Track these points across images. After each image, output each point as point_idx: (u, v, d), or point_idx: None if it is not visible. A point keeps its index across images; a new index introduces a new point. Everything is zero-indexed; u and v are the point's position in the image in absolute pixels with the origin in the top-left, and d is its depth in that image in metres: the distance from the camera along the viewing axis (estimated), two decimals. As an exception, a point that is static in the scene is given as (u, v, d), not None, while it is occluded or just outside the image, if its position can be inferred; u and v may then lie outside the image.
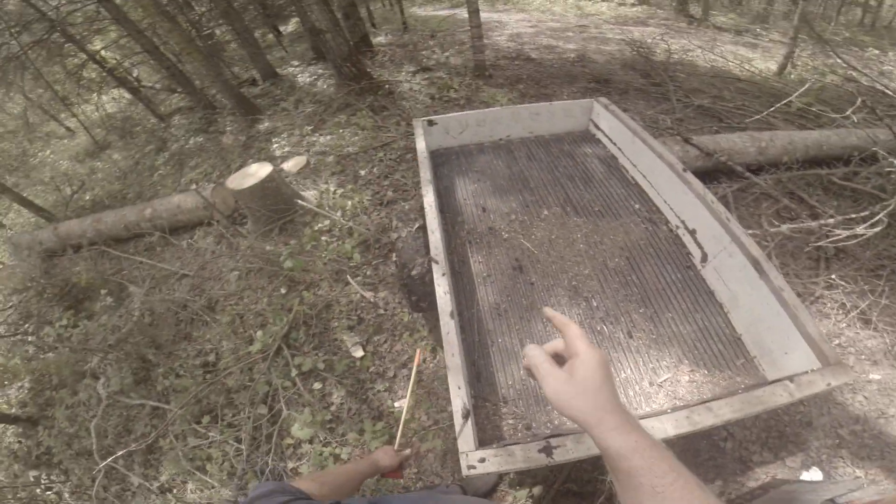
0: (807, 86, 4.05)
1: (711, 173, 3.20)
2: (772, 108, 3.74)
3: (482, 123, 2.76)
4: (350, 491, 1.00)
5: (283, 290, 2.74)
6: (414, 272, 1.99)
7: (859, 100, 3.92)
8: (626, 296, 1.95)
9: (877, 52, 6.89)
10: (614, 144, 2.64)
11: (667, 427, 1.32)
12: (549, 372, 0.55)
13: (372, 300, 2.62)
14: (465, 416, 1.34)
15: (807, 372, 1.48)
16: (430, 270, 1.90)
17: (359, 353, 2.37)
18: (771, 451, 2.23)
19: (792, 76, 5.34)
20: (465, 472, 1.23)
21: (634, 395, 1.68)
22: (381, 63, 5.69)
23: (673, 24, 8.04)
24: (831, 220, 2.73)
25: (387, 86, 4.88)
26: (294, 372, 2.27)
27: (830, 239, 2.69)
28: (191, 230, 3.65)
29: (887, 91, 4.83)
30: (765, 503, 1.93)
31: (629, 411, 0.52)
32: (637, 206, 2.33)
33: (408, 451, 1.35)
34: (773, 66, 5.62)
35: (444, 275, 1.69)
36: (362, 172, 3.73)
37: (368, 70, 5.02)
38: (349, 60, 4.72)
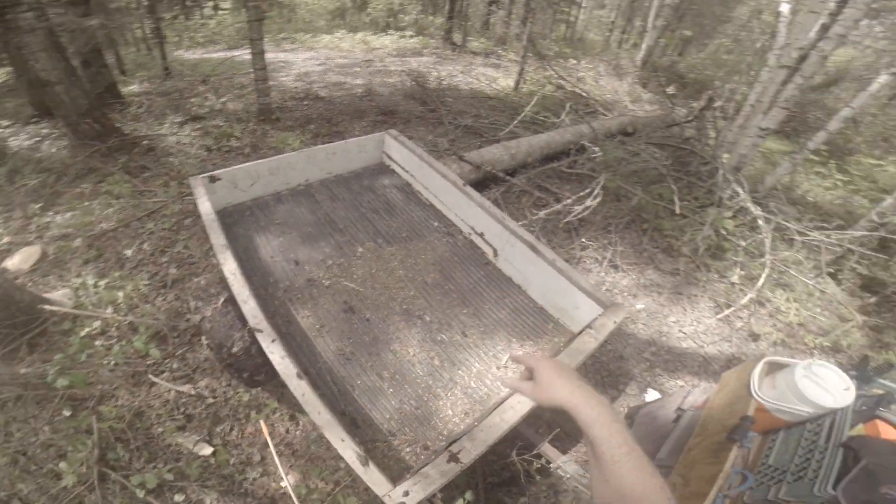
0: (534, 100, 5.34)
1: (483, 182, 3.93)
2: (514, 123, 4.80)
3: (275, 171, 2.67)
4: None
5: (66, 413, 2.17)
6: (235, 349, 1.86)
7: (568, 105, 5.36)
8: (450, 303, 2.27)
9: (574, 61, 9.36)
10: (407, 172, 2.98)
11: (525, 399, 1.52)
12: (521, 385, 0.80)
13: (193, 392, 2.30)
14: (365, 463, 1.32)
15: (596, 318, 1.93)
16: (254, 341, 1.77)
17: (206, 450, 2.08)
18: (612, 387, 2.87)
19: (524, 89, 6.87)
20: None
21: (490, 381, 1.95)
22: (135, 116, 4.87)
23: (442, 52, 9.21)
24: (569, 201, 3.71)
25: (145, 142, 4.21)
26: (141, 493, 1.86)
27: (572, 215, 3.66)
28: None
29: (583, 94, 6.73)
30: (637, 430, 2.42)
31: (593, 392, 0.69)
32: (436, 223, 2.71)
33: None
34: (511, 83, 7.12)
35: (273, 341, 1.62)
36: (128, 252, 3.06)
37: (118, 125, 4.25)
38: (89, 115, 3.92)
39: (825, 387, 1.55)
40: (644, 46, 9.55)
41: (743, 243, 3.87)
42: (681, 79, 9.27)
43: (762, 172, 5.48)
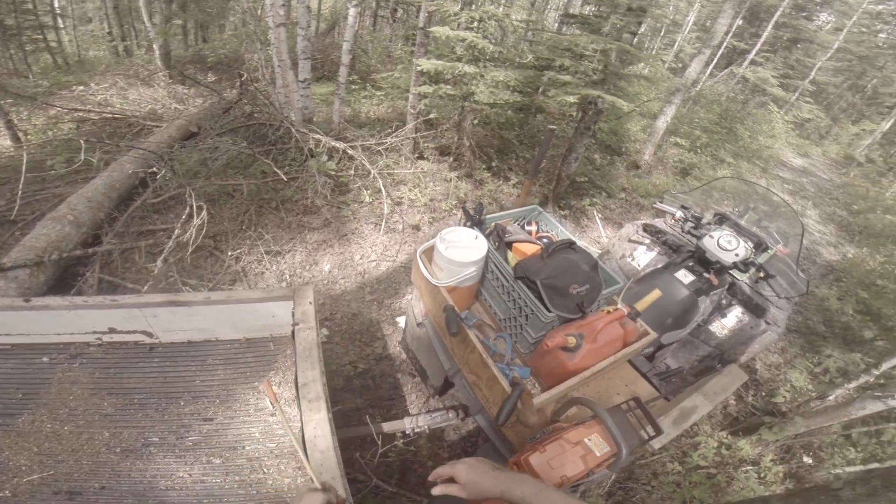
0: (49, 149, 4.07)
1: (64, 275, 2.93)
2: (18, 192, 3.58)
3: None
4: None
5: None
6: None
7: (102, 136, 4.39)
8: (156, 409, 1.68)
9: (82, 87, 7.51)
10: None
11: (317, 416, 1.46)
12: (451, 489, 0.89)
13: None
14: None
15: (293, 310, 1.90)
16: None
17: None
18: (374, 340, 2.93)
19: (32, 142, 5.11)
20: None
21: (280, 428, 1.70)
22: None
23: None
24: (178, 230, 3.25)
25: None
26: None
27: (193, 241, 3.25)
28: None
29: (117, 116, 5.64)
30: (419, 354, 2.41)
31: (511, 474, 0.86)
32: (45, 359, 1.83)
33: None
34: (8, 142, 5.14)
35: None
36: None
37: None
38: None
39: (463, 245, 1.78)
40: (156, 46, 8.67)
41: (352, 172, 4.57)
42: (215, 64, 9.13)
43: (329, 114, 6.42)
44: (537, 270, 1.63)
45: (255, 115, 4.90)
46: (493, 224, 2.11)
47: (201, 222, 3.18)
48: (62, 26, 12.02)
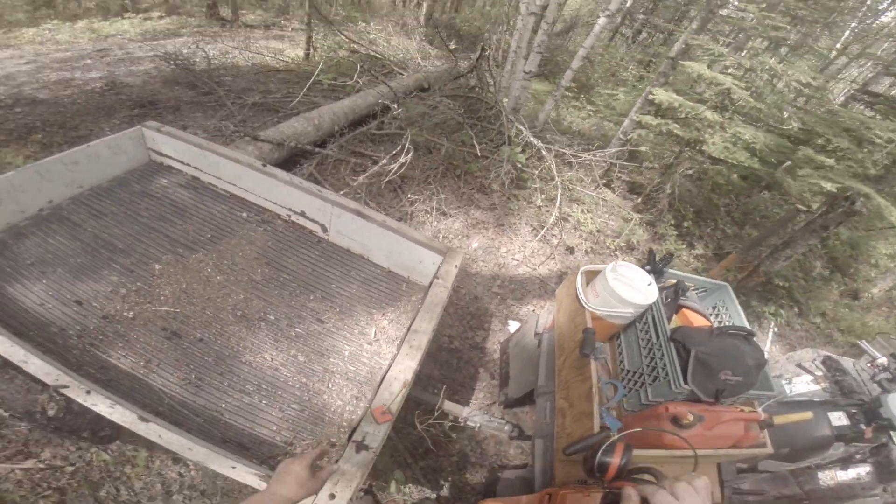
0: (321, 65, 5.10)
1: (291, 160, 3.67)
2: (303, 91, 4.54)
3: None
4: None
5: None
6: (51, 412, 1.53)
7: (359, 67, 5.30)
8: (291, 293, 2.12)
9: (364, 24, 9.19)
10: (188, 165, 2.55)
11: (408, 363, 1.55)
12: None
13: (43, 466, 1.79)
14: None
15: (439, 266, 2.00)
16: (68, 401, 1.49)
17: None
18: (479, 329, 3.08)
19: (316, 58, 6.50)
20: None
21: (368, 358, 1.92)
22: None
23: (206, 29, 7.85)
24: (384, 161, 3.78)
25: None
26: None
27: (391, 173, 3.75)
28: None
29: (378, 56, 6.73)
30: (514, 362, 2.52)
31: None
32: (244, 214, 2.44)
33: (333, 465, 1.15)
34: (301, 53, 6.64)
35: (89, 392, 1.33)
36: None
37: None
38: None
39: (633, 285, 1.74)
40: (425, 4, 9.99)
41: (536, 172, 4.62)
42: (458, 33, 10.07)
43: (535, 111, 6.53)
44: (699, 342, 1.57)
45: (477, 89, 5.28)
46: (673, 280, 2.01)
47: (405, 161, 3.65)
48: (364, -34, 14.62)
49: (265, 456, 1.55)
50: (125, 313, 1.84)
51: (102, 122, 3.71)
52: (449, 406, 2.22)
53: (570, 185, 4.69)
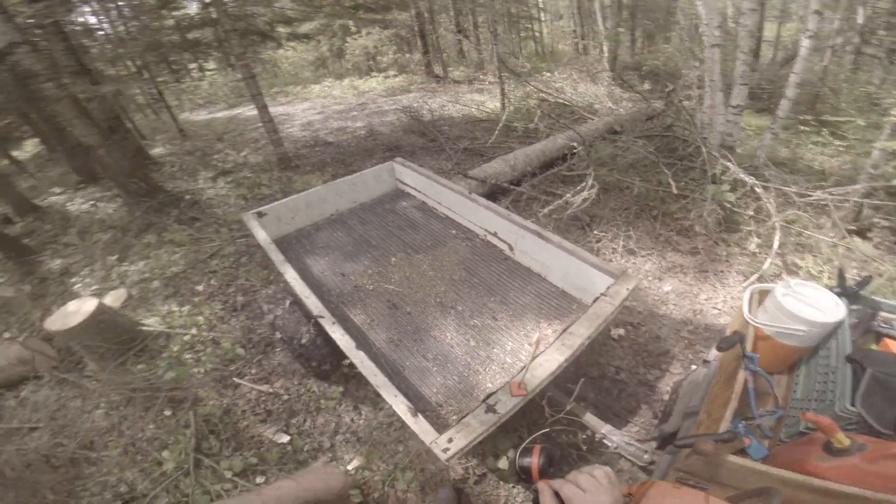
0: (506, 112, 5.73)
1: (491, 195, 4.24)
2: (492, 138, 5.20)
3: (310, 204, 3.11)
4: None
5: (167, 412, 2.51)
6: (304, 340, 2.19)
7: (538, 112, 5.75)
8: (478, 294, 2.54)
9: (549, 73, 9.83)
10: (420, 192, 3.34)
11: (556, 357, 1.71)
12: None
13: (270, 391, 2.60)
14: (414, 414, 1.49)
15: (609, 286, 2.12)
16: (319, 333, 2.12)
17: (284, 438, 2.34)
18: (654, 367, 2.99)
19: (511, 108, 7.31)
20: (442, 457, 1.33)
21: (524, 356, 2.16)
22: (170, 174, 5.40)
23: (426, 85, 9.80)
24: (569, 195, 4.00)
25: (188, 196, 4.70)
26: (229, 475, 2.13)
27: (574, 206, 3.93)
28: (14, 388, 2.92)
29: (566, 103, 7.15)
30: (682, 399, 2.39)
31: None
32: (453, 231, 3.03)
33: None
34: (498, 104, 7.56)
35: (334, 323, 1.94)
36: (200, 288, 3.55)
37: (160, 183, 4.73)
38: (134, 175, 4.38)
39: (810, 303, 1.58)
40: (605, 49, 10.05)
41: (750, 212, 4.03)
42: (652, 73, 9.70)
43: (755, 148, 5.71)
44: (882, 361, 1.33)
45: (674, 127, 5.04)
46: (868, 307, 1.71)
47: (588, 197, 3.80)
48: (543, 19, 15.66)
49: (419, 406, 1.82)
50: (367, 286, 2.57)
51: (366, 160, 5.11)
52: (588, 418, 2.18)
53: (796, 230, 3.92)
